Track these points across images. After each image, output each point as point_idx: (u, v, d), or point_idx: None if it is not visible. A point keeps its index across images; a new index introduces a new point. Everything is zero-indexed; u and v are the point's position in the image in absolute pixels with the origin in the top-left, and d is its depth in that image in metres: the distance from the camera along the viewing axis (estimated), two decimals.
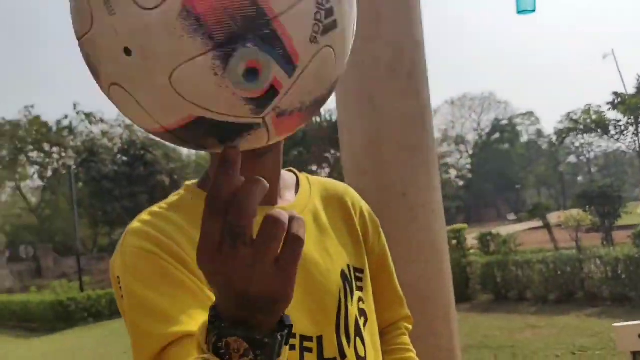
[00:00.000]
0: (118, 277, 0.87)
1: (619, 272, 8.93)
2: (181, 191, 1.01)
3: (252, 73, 0.52)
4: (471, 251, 12.14)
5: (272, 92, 0.55)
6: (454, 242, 11.34)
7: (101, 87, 0.60)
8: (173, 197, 0.99)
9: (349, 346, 0.95)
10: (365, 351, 0.98)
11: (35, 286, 20.92)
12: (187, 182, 1.03)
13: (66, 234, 38.48)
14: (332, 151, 25.68)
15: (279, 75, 0.54)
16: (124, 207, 31.61)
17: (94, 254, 36.86)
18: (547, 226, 12.39)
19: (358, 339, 0.97)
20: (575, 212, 11.23)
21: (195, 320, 0.78)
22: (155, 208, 0.95)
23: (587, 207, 11.34)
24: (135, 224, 0.91)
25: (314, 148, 26.44)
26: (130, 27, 0.52)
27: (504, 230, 25.62)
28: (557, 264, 9.55)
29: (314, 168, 27.17)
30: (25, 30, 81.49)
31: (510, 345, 6.99)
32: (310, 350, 0.91)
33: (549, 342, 6.94)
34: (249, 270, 0.54)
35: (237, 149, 0.56)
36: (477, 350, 7.04)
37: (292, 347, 0.88)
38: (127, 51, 0.53)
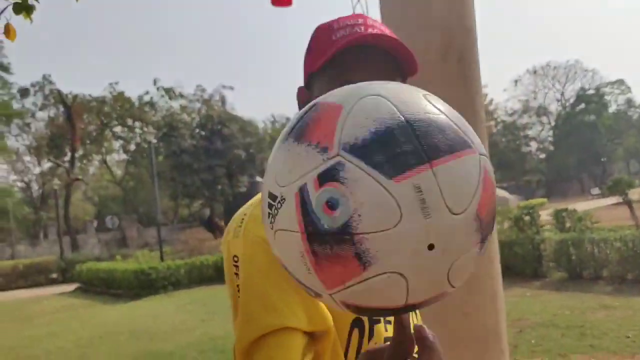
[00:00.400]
0: (236, 257, 0.99)
1: None
2: None
3: (481, 250, 0.68)
4: (546, 227, 11.87)
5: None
6: (527, 218, 11.12)
7: (351, 274, 0.65)
8: None
9: (415, 319, 1.15)
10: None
11: (121, 255, 22.04)
12: None
13: (149, 206, 40.21)
14: None
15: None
16: (203, 180, 32.59)
17: (174, 224, 38.39)
18: (628, 203, 11.90)
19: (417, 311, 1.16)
20: None
21: (297, 316, 0.92)
22: None
23: None
24: (256, 210, 1.02)
25: None
26: (441, 228, 0.62)
27: (587, 205, 24.76)
28: (637, 242, 9.20)
29: None
30: (107, 11, 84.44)
31: (580, 325, 6.85)
32: (390, 322, 1.07)
33: (621, 323, 6.75)
34: None
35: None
36: (545, 328, 6.95)
37: (377, 322, 1.06)
38: (431, 247, 0.62)
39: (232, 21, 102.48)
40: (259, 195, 1.06)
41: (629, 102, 58.64)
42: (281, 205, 0.68)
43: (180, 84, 43.50)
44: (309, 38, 1.13)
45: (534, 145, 61.49)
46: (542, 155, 61.64)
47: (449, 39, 2.40)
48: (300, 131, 0.69)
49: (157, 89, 38.37)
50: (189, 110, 37.99)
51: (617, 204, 17.32)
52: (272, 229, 0.70)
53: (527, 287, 9.98)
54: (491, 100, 55.37)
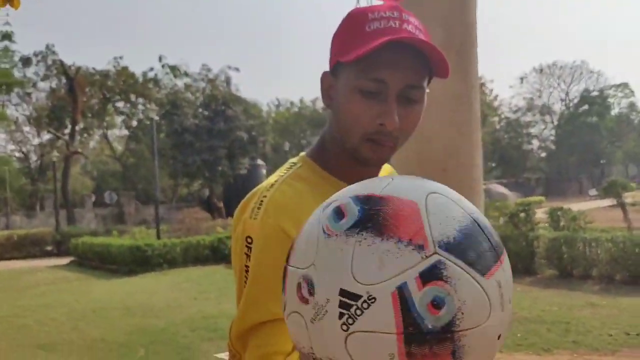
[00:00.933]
0: (250, 239, 1.00)
1: None
2: (297, 162, 1.13)
3: None
4: (541, 225, 11.98)
5: None
6: (522, 215, 11.24)
7: None
8: (294, 169, 1.11)
9: None
10: None
11: (117, 230, 22.10)
12: (302, 154, 1.17)
13: (148, 183, 40.32)
14: None
15: None
16: (203, 159, 32.62)
17: (173, 203, 38.50)
18: (621, 205, 12.04)
19: None
20: None
21: None
22: (287, 179, 1.07)
23: None
24: (276, 194, 1.03)
25: None
26: (507, 318, 0.69)
27: (584, 206, 24.94)
28: (627, 244, 9.33)
29: None
30: None
31: (566, 322, 6.99)
32: None
33: (606, 321, 6.88)
34: None
35: None
36: (533, 323, 7.08)
37: None
38: (499, 337, 0.68)
39: (240, 3, 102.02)
40: (275, 176, 1.09)
41: (632, 106, 58.67)
42: (369, 305, 0.64)
43: (185, 62, 43.36)
44: (340, 20, 1.09)
45: (535, 143, 61.62)
46: (543, 154, 61.81)
47: (449, 33, 2.47)
48: (379, 226, 0.67)
49: (162, 66, 38.29)
50: (193, 89, 37.91)
51: (613, 206, 17.47)
52: (346, 330, 0.66)
53: (518, 282, 10.10)
54: (496, 96, 55.39)
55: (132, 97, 39.14)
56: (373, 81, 0.99)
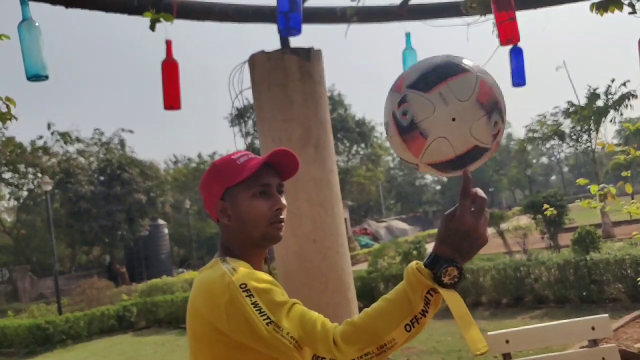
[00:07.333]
0: (244, 284, 1.36)
1: (560, 275, 9.67)
2: (219, 260, 1.48)
3: (496, 124, 1.24)
4: None
5: (498, 132, 1.26)
6: (415, 252, 12.03)
7: (422, 145, 1.23)
8: (226, 261, 1.47)
9: None
10: None
11: (12, 309, 20.92)
12: (216, 259, 1.52)
13: (43, 254, 38.40)
14: None
15: (501, 124, 1.27)
16: (102, 226, 31.81)
17: (72, 273, 36.88)
18: (500, 234, 13.19)
19: None
20: (522, 222, 12.08)
21: None
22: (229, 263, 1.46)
23: (534, 215, 12.17)
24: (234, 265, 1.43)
25: None
26: (456, 109, 1.18)
27: None
28: (507, 270, 10.26)
29: None
30: None
31: (458, 350, 7.66)
32: None
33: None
34: (484, 224, 1.27)
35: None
36: (429, 355, 7.69)
37: None
38: (453, 119, 1.18)
39: (126, 62, 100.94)
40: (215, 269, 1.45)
41: (509, 137, 63.10)
42: (387, 127, 1.28)
43: (77, 127, 42.06)
44: (206, 176, 1.57)
45: (429, 177, 64.59)
46: (438, 187, 64.84)
47: (308, 131, 3.02)
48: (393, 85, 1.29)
49: (52, 133, 37.03)
50: (87, 155, 36.94)
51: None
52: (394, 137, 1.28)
53: None
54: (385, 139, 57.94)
55: (21, 167, 37.48)
56: (263, 186, 1.48)
